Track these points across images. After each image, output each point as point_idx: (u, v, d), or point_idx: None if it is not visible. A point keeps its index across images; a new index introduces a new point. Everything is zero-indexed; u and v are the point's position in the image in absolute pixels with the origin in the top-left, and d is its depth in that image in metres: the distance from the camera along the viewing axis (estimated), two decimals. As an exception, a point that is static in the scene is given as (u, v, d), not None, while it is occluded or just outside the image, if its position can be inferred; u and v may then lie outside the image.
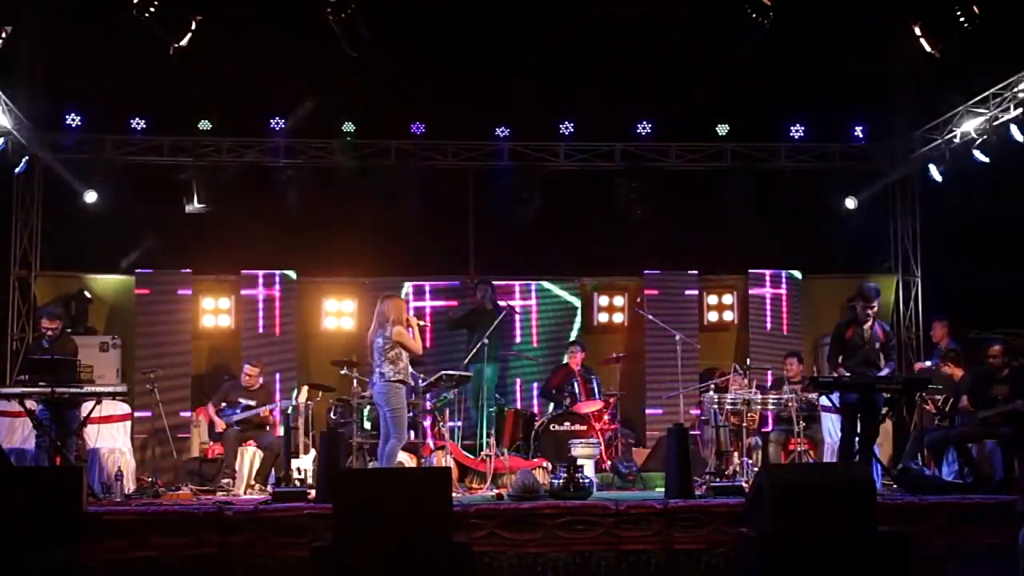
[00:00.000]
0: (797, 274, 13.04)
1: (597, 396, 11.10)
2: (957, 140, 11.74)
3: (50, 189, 12.38)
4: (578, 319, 12.86)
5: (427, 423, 10.78)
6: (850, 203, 12.78)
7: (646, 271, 12.84)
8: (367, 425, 10.35)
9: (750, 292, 12.95)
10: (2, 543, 5.72)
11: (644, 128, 12.98)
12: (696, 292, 12.88)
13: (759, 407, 10.02)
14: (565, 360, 11.71)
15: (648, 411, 12.46)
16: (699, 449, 10.75)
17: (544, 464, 9.92)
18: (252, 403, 10.51)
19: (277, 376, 12.00)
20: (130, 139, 12.50)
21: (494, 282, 12.12)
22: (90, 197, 11.96)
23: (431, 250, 12.89)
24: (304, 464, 10.05)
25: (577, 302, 12.91)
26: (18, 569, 5.74)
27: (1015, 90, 10.82)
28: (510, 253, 12.91)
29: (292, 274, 12.56)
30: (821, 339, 12.34)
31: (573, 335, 12.64)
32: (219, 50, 10.97)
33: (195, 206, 12.26)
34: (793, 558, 5.57)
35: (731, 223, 12.93)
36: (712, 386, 10.55)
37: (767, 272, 12.97)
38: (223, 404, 10.59)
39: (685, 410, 11.53)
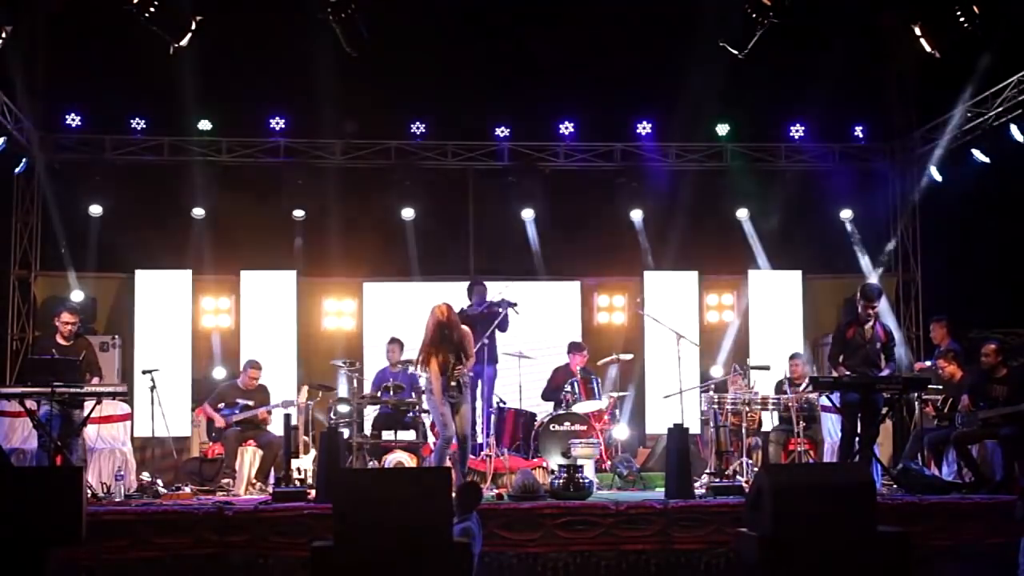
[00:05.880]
0: (797, 274, 13.03)
1: (597, 396, 11.09)
2: (957, 140, 11.73)
3: (50, 189, 12.37)
4: (578, 319, 12.84)
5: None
6: (846, 213, 12.86)
7: (646, 271, 12.83)
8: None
9: (750, 292, 12.94)
10: (4, 543, 5.72)
11: (644, 128, 12.98)
12: (696, 292, 12.88)
13: (759, 407, 10.02)
14: (565, 361, 11.69)
15: (648, 411, 12.45)
16: (699, 449, 10.74)
17: (544, 464, 9.92)
18: (250, 403, 10.50)
19: (277, 376, 11.98)
20: (130, 139, 12.51)
21: (494, 282, 12.08)
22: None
23: (431, 250, 12.88)
24: (304, 464, 10.04)
25: (577, 302, 12.89)
26: (19, 569, 5.73)
27: (1015, 90, 10.83)
28: (510, 253, 12.91)
29: (292, 274, 12.55)
30: (821, 339, 12.33)
31: (573, 336, 12.61)
32: (219, 50, 10.96)
33: (196, 212, 12.30)
34: (793, 558, 5.56)
35: (731, 223, 12.93)
36: (712, 386, 10.54)
37: (767, 272, 12.95)
38: (221, 404, 10.58)
39: (685, 410, 11.51)
